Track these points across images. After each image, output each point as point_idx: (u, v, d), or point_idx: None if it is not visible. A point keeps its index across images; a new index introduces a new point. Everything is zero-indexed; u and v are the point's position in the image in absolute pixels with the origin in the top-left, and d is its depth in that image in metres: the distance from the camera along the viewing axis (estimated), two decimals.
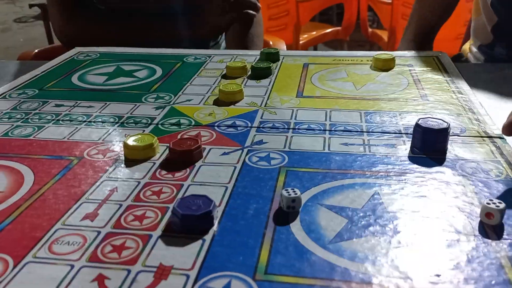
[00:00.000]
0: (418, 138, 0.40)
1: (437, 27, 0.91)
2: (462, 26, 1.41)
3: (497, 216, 0.30)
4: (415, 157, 0.40)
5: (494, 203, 0.31)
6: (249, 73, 0.62)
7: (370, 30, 1.94)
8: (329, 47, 2.59)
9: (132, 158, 0.41)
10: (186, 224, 0.31)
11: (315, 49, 2.29)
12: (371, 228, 0.31)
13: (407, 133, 0.44)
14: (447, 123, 0.41)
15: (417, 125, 0.41)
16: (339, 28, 1.97)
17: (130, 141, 0.41)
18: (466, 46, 0.93)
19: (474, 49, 0.87)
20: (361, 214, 0.32)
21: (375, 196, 0.34)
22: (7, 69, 0.71)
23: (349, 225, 0.31)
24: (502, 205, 0.31)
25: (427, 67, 0.62)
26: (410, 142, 0.42)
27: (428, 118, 0.41)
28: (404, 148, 0.41)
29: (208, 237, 0.30)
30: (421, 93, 0.54)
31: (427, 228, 0.31)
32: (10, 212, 0.33)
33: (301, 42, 1.85)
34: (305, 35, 1.86)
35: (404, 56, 0.67)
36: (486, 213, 0.31)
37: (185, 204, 0.32)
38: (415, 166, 0.38)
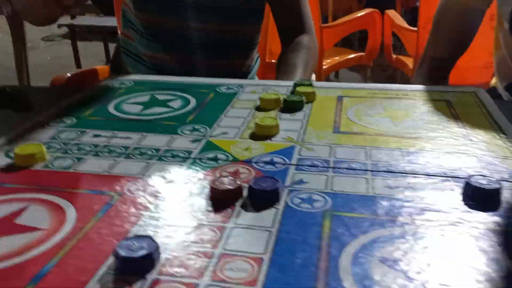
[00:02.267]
0: (468, 195, 0.39)
1: (452, 60, 0.90)
2: (489, 55, 1.39)
3: None
4: (466, 205, 0.38)
5: None
6: (282, 105, 0.61)
7: (394, 56, 1.94)
8: (352, 71, 2.59)
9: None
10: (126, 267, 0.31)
11: (337, 74, 2.30)
12: (427, 285, 0.30)
13: (454, 177, 0.43)
14: (499, 184, 0.39)
15: (467, 184, 0.39)
16: (362, 53, 1.97)
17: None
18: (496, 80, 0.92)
19: (501, 88, 0.86)
20: (417, 269, 0.31)
21: (429, 248, 0.33)
22: (43, 95, 0.72)
23: (405, 281, 0.30)
24: None
25: (466, 104, 0.61)
26: (461, 189, 0.41)
27: (478, 176, 0.40)
28: (453, 194, 0.40)
29: None
30: (462, 132, 0.53)
31: (486, 286, 0.29)
32: (55, 253, 0.33)
33: (324, 67, 1.85)
34: (328, 60, 1.86)
35: (442, 91, 0.66)
36: None
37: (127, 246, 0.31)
38: (468, 215, 0.37)
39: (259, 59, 1.03)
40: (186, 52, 0.88)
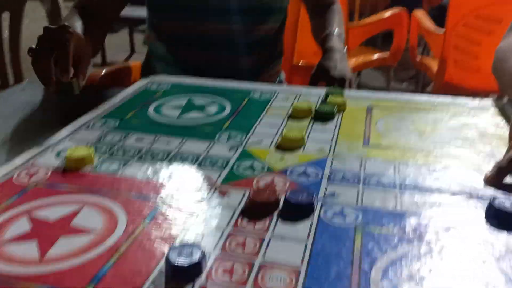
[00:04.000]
0: (491, 216, 0.41)
1: None
2: None
3: None
4: (490, 225, 0.40)
5: None
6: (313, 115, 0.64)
7: (419, 57, 1.93)
8: (374, 70, 2.59)
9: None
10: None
11: (359, 73, 2.29)
12: None
13: (477, 197, 0.45)
14: None
15: (490, 206, 0.41)
16: (386, 53, 1.96)
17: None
18: None
19: None
20: (442, 287, 0.33)
21: (454, 267, 0.35)
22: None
23: None
24: None
25: (490, 119, 0.62)
26: (484, 209, 0.43)
27: (501, 199, 0.42)
28: (477, 213, 0.42)
29: None
30: (486, 149, 0.54)
31: None
32: (110, 255, 0.36)
33: None
34: (353, 60, 1.86)
35: (467, 106, 0.67)
36: None
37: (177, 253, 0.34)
38: (493, 236, 0.39)
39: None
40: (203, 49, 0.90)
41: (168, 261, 0.34)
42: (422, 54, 2.34)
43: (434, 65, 1.78)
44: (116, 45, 3.46)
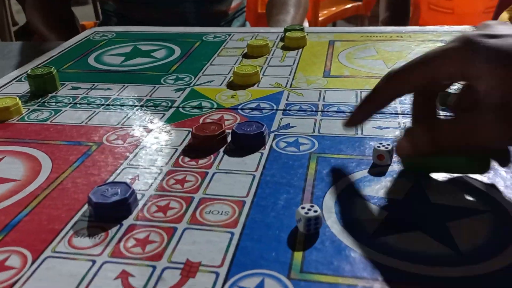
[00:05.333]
0: None
1: None
2: None
3: (387, 157, 0.34)
4: None
5: (383, 145, 0.34)
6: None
7: None
8: (349, 23, 2.52)
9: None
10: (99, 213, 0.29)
11: (334, 25, 2.23)
12: (414, 221, 0.28)
13: (446, 115, 0.41)
14: None
15: None
16: (359, 3, 1.90)
17: None
18: (504, 16, 0.88)
19: None
20: (402, 206, 0.30)
21: (415, 186, 0.32)
22: (21, 51, 0.69)
23: (390, 218, 0.29)
24: (390, 147, 0.34)
25: None
26: None
27: None
28: None
29: (236, 231, 0.28)
30: None
31: (476, 220, 0.28)
32: (27, 202, 0.32)
33: (320, 18, 1.80)
34: (325, 11, 1.80)
35: (437, 32, 0.63)
36: (378, 155, 0.34)
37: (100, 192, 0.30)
38: None
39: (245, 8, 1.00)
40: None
41: (90, 201, 0.29)
42: None
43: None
44: (81, 17, 3.33)
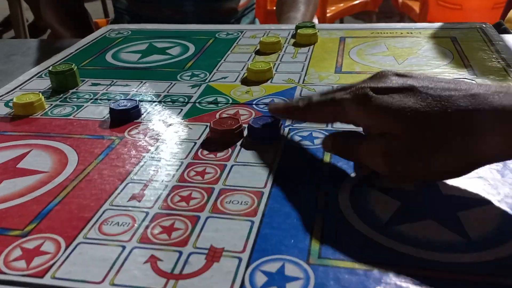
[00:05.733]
0: None
1: None
2: None
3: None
4: None
5: None
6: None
7: (400, 0, 1.88)
8: (357, 19, 2.52)
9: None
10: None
11: (342, 22, 2.23)
12: (427, 211, 0.30)
13: None
14: None
15: None
16: None
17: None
18: None
19: None
20: (415, 197, 0.31)
21: None
22: (39, 48, 0.71)
23: (404, 208, 0.30)
24: None
25: (471, 39, 0.59)
26: None
27: None
28: None
29: (256, 219, 0.30)
30: (467, 67, 0.51)
31: (485, 211, 0.29)
32: (57, 193, 0.33)
33: (328, 14, 1.80)
34: (333, 7, 1.80)
35: (446, 28, 0.64)
36: None
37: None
38: None
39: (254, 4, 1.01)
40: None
41: (111, 110, 0.43)
42: None
43: (416, 6, 1.73)
44: (93, 12, 3.35)
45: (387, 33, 0.64)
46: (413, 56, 0.55)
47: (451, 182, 0.32)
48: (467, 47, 0.57)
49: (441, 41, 0.59)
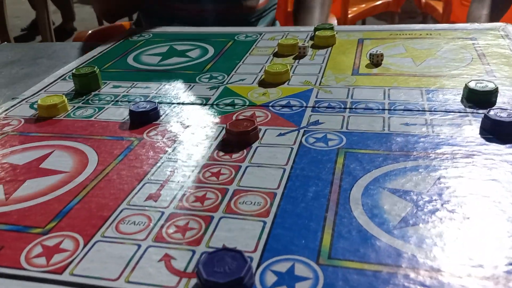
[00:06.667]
0: (486, 128, 0.38)
1: None
2: None
3: None
4: (483, 138, 0.38)
5: None
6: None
7: (423, 0, 1.85)
8: (379, 19, 2.49)
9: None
10: None
11: (364, 22, 2.22)
12: (438, 213, 0.30)
13: (473, 112, 0.42)
14: None
15: (485, 117, 0.38)
16: None
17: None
18: None
19: None
20: (427, 199, 0.31)
21: (441, 179, 0.33)
22: (64, 51, 0.73)
23: (414, 210, 0.30)
24: None
25: (492, 40, 0.58)
26: (479, 122, 0.40)
27: (497, 110, 0.39)
28: (470, 128, 0.39)
29: (268, 220, 0.30)
30: (486, 69, 0.51)
31: (498, 214, 0.29)
32: (77, 192, 0.35)
33: (350, 15, 1.79)
34: (354, 8, 1.79)
35: (466, 29, 0.63)
36: None
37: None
38: (484, 147, 0.36)
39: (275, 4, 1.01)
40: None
41: (130, 112, 0.45)
42: None
43: (439, 6, 1.70)
44: None
45: (406, 34, 0.64)
46: (431, 57, 0.55)
47: (463, 184, 0.32)
48: (488, 49, 0.56)
49: (461, 43, 0.59)
